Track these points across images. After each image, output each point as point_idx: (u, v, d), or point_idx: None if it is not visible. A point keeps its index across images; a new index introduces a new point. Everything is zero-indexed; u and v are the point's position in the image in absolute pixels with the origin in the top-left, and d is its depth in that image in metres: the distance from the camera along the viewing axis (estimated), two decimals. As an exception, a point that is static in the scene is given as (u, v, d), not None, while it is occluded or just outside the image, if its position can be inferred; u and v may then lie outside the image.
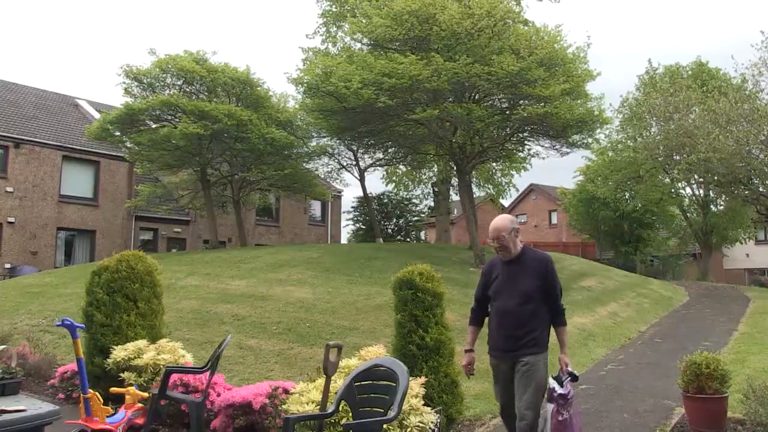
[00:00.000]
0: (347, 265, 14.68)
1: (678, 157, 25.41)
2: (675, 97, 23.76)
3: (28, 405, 4.32)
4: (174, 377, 5.79)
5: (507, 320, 4.28)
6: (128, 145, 20.70)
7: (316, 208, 33.37)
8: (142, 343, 6.56)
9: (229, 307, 10.81)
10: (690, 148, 22.87)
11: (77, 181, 23.04)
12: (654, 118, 25.73)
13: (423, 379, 5.59)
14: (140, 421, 5.22)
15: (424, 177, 29.76)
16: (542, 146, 20.62)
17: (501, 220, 4.37)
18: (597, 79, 18.11)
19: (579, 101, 17.95)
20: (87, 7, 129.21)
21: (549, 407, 4.16)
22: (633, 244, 31.66)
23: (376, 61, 16.06)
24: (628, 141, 28.15)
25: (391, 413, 3.62)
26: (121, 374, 6.14)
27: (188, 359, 6.58)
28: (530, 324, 4.19)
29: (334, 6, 25.70)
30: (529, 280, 4.23)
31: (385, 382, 3.90)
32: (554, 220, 43.51)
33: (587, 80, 17.83)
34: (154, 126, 20.46)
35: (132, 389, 5.45)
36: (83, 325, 6.03)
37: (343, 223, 35.71)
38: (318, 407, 4.66)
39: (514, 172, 27.96)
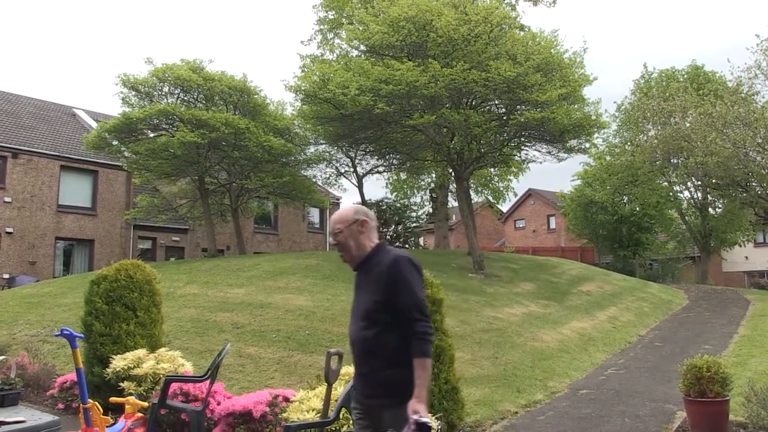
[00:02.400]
0: (346, 272, 14.61)
1: (676, 161, 25.48)
2: (670, 102, 23.83)
3: (28, 416, 4.32)
4: (174, 386, 5.78)
5: (353, 352, 3.05)
6: (126, 154, 20.68)
7: (314, 215, 33.36)
8: (141, 352, 6.55)
9: (229, 315, 10.79)
10: (687, 152, 22.93)
11: (75, 190, 23.01)
12: (650, 123, 25.81)
13: (423, 386, 5.56)
14: (140, 430, 5.20)
15: (422, 183, 29.79)
16: (539, 151, 20.66)
17: (342, 211, 3.25)
18: (593, 85, 18.13)
19: (576, 106, 17.99)
20: (84, 17, 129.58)
21: None
22: (632, 248, 31.69)
23: (374, 68, 16.09)
24: (626, 145, 28.22)
25: (392, 420, 3.60)
26: (121, 384, 6.13)
27: (188, 368, 6.58)
28: (377, 359, 2.89)
29: (330, 13, 25.78)
30: (370, 293, 2.98)
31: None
32: (552, 225, 43.51)
33: (584, 85, 17.86)
34: (151, 135, 20.45)
35: (132, 399, 5.43)
36: (82, 335, 6.03)
37: (342, 230, 35.63)
38: (319, 415, 4.65)
39: (511, 178, 28.01)
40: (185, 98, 20.58)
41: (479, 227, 31.97)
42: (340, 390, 4.79)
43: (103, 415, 5.04)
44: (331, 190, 30.09)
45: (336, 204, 33.90)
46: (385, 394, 2.87)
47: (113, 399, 5.57)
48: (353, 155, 24.95)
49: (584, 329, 12.57)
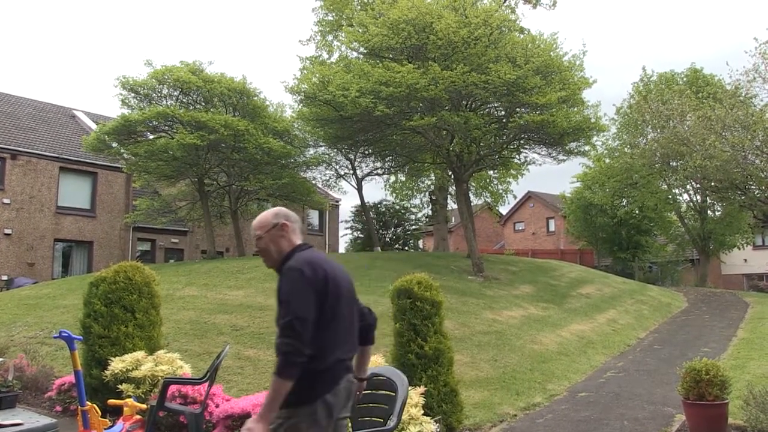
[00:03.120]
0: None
1: (675, 164, 25.49)
2: (668, 105, 23.84)
3: (25, 419, 4.30)
4: (172, 388, 5.76)
5: None
6: (125, 156, 20.67)
7: (313, 217, 33.34)
8: (140, 354, 6.54)
9: (227, 317, 10.77)
10: (687, 156, 22.93)
11: (74, 192, 22.99)
12: (650, 126, 25.83)
13: (422, 389, 5.58)
14: (138, 433, 5.20)
15: (422, 186, 29.81)
16: (539, 153, 20.67)
17: (262, 215, 3.11)
18: (592, 88, 18.05)
19: (575, 109, 18.00)
20: (84, 18, 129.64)
21: None
22: (631, 251, 31.69)
23: (374, 70, 16.11)
24: (625, 147, 28.25)
25: (391, 423, 3.60)
26: (119, 386, 6.11)
27: (186, 370, 6.56)
28: None
29: (330, 15, 25.83)
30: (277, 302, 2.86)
31: (384, 392, 3.87)
32: (552, 228, 43.52)
33: (583, 88, 17.88)
34: (151, 137, 20.46)
35: (130, 401, 5.43)
36: (81, 337, 6.02)
37: (341, 232, 35.72)
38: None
39: (511, 180, 28.01)
40: (184, 100, 20.57)
41: (478, 229, 31.96)
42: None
43: (102, 417, 5.04)
44: (330, 192, 30.09)
45: (335, 206, 33.92)
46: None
47: (111, 401, 5.56)
48: (353, 157, 24.96)
49: (583, 332, 12.56)
